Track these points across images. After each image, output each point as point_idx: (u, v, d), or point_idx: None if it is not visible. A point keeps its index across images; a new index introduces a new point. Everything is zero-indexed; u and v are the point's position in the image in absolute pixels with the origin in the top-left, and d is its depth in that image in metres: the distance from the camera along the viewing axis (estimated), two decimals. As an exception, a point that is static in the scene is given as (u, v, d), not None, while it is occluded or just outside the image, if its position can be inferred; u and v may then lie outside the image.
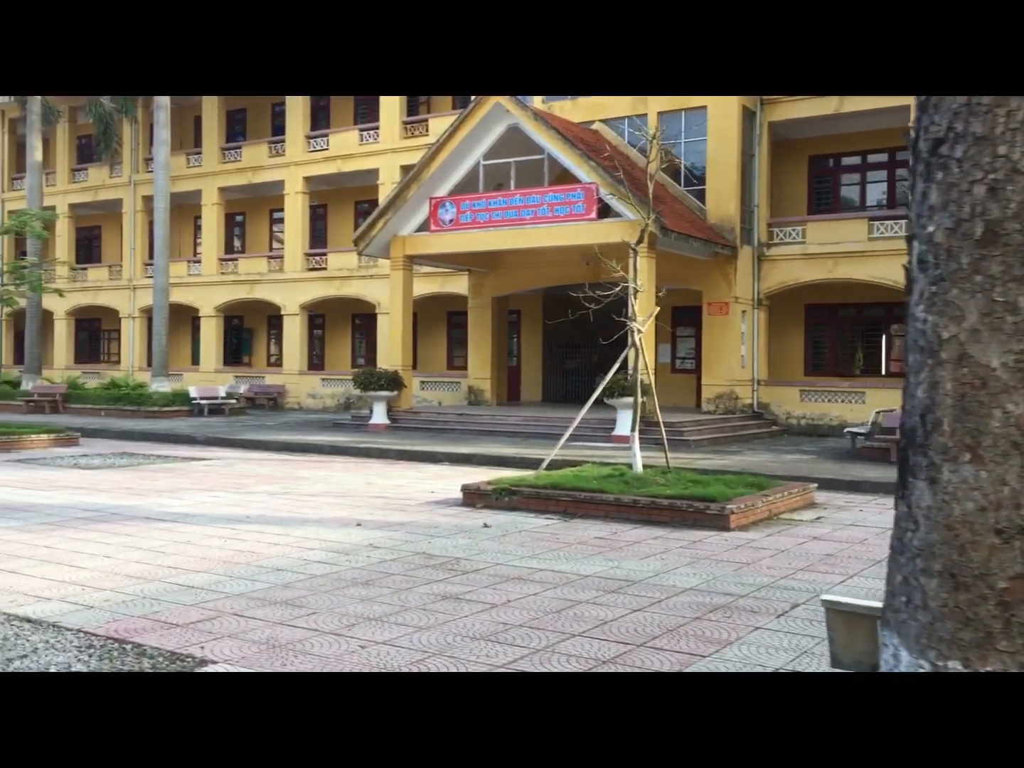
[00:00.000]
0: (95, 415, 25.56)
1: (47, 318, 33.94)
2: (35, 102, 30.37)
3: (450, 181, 21.55)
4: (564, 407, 23.46)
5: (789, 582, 7.07)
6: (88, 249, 37.61)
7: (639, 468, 10.97)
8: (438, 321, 28.71)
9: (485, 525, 9.50)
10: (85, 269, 35.67)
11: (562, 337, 26.33)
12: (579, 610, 6.17)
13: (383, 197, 26.10)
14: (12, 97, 31.71)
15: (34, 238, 25.66)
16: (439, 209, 21.37)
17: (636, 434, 11.01)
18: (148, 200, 32.21)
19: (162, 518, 9.84)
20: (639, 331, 11.03)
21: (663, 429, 11.54)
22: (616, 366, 11.72)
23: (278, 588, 6.72)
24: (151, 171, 31.21)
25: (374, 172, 28.45)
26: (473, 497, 10.86)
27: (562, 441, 11.39)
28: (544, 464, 11.23)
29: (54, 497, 11.31)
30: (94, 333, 37.59)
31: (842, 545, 8.65)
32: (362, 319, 30.60)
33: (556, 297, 25.86)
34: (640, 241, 11.70)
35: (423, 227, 21.90)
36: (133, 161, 33.81)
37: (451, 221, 21.25)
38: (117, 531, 9.01)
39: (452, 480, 13.43)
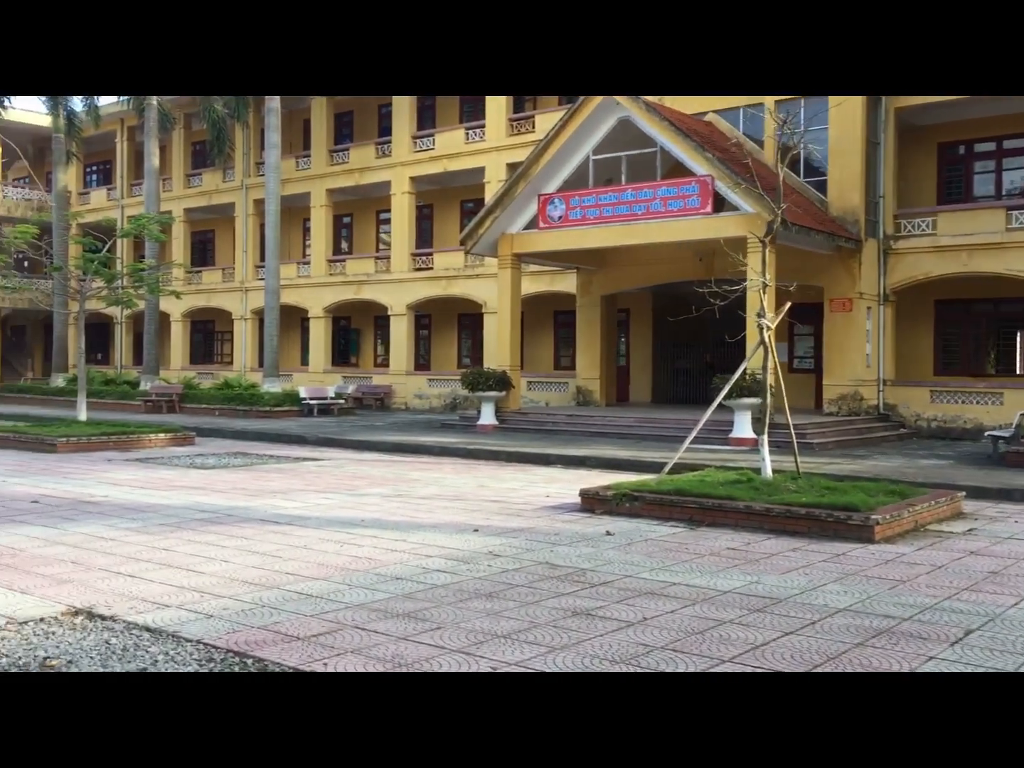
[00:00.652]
0: (209, 415, 26.04)
1: (164, 320, 34.90)
2: (152, 108, 31.21)
3: (559, 177, 21.11)
4: (675, 408, 22.77)
5: (954, 603, 6.38)
6: (202, 252, 38.56)
7: (768, 473, 10.32)
8: (544, 321, 28.32)
9: (608, 533, 9.02)
10: (199, 272, 36.56)
11: (672, 336, 25.62)
12: (724, 631, 5.64)
13: (489, 196, 25.89)
14: (130, 105, 32.66)
15: (152, 241, 26.31)
16: (548, 206, 20.96)
17: (766, 437, 10.36)
18: (259, 204, 32.78)
19: (277, 520, 9.68)
20: (768, 328, 10.37)
21: (792, 431, 10.84)
22: (744, 365, 11.05)
23: (399, 599, 6.39)
24: (262, 175, 31.75)
25: (480, 171, 28.24)
26: (592, 502, 10.39)
27: (685, 444, 10.82)
28: (666, 469, 10.67)
29: (171, 497, 11.31)
30: (208, 334, 38.52)
31: (1005, 561, 7.85)
32: (468, 319, 30.44)
33: (666, 295, 25.18)
34: (769, 233, 11.02)
35: (531, 224, 21.53)
36: (245, 165, 34.46)
37: (560, 218, 20.81)
38: (233, 534, 8.87)
39: (566, 484, 13.00)
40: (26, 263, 41.02)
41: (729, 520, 9.35)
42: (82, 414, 19.33)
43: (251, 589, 6.65)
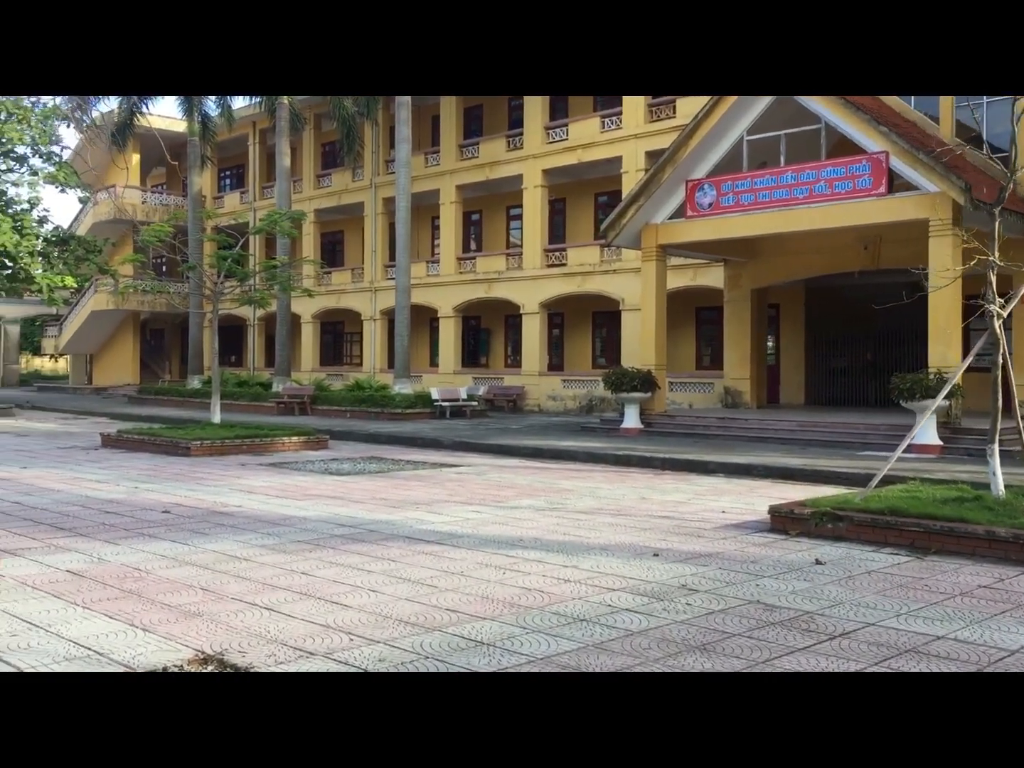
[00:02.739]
0: (340, 416, 25.49)
1: (295, 322, 34.81)
2: (283, 108, 31.05)
3: (708, 161, 19.53)
4: (835, 411, 20.88)
5: None
6: (332, 253, 38.42)
7: (1000, 490, 8.61)
8: (686, 318, 26.66)
9: (817, 562, 7.54)
10: (329, 273, 36.37)
11: (826, 333, 23.67)
12: (1046, 717, 4.13)
13: (627, 187, 24.52)
14: (262, 107, 32.62)
15: (283, 238, 25.96)
16: (696, 192, 19.41)
17: (996, 446, 8.66)
18: (388, 203, 32.24)
19: (425, 538, 8.57)
20: (999, 316, 8.67)
21: None
22: (967, 360, 9.35)
23: (590, 651, 5.11)
24: (391, 173, 31.20)
25: (616, 161, 26.86)
26: (784, 522, 8.89)
27: (897, 453, 9.17)
28: (874, 482, 9.07)
29: (308, 508, 10.38)
30: (337, 336, 38.35)
31: None
32: (603, 317, 29.07)
33: (821, 288, 23.28)
34: (997, 204, 9.29)
35: (677, 213, 20.02)
36: (373, 164, 34.03)
37: (710, 205, 19.23)
38: (378, 555, 7.78)
39: (738, 496, 11.52)
40: (164, 267, 41.86)
41: (963, 548, 7.71)
42: (216, 416, 18.89)
43: (408, 631, 5.49)
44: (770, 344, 24.53)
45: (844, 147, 18.22)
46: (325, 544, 8.25)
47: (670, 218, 20.14)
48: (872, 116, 16.88)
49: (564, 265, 28.49)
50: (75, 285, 31.47)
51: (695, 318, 27.06)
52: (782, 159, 18.38)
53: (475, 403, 26.23)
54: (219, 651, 5.07)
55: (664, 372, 20.71)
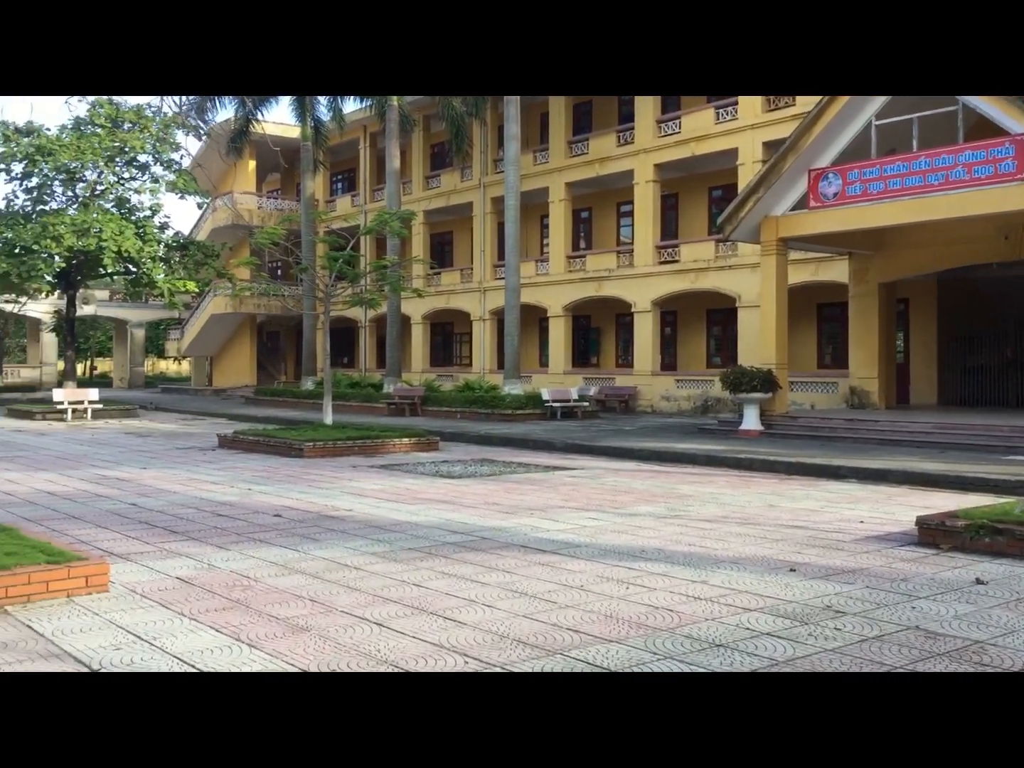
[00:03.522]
0: (450, 418, 25.34)
1: (405, 323, 34.96)
2: (393, 110, 31.18)
3: (833, 149, 18.53)
4: (973, 412, 19.57)
5: None
6: (441, 254, 38.47)
7: None
8: (806, 315, 25.52)
9: (978, 581, 6.77)
10: (438, 273, 36.42)
11: (961, 328, 22.26)
12: None
13: (743, 179, 23.62)
14: (372, 109, 32.85)
15: (393, 239, 26.00)
16: (820, 182, 18.44)
17: None
18: (497, 202, 32.01)
19: (540, 547, 8.12)
20: None
21: None
22: None
23: (732, 683, 4.56)
24: (500, 172, 30.95)
25: (732, 153, 25.92)
26: (934, 535, 8.10)
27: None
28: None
29: (419, 513, 10.07)
30: (447, 336, 38.38)
31: None
32: (718, 314, 28.15)
33: (954, 281, 21.89)
34: None
35: (799, 205, 19.08)
36: (482, 163, 33.87)
37: (835, 195, 18.23)
38: (492, 564, 7.38)
39: (875, 505, 10.70)
40: (279, 271, 42.73)
41: None
42: (328, 417, 18.91)
43: (527, 654, 5.04)
44: (899, 341, 23.23)
45: (982, 129, 16.99)
46: (437, 552, 7.90)
47: (791, 210, 19.22)
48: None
49: (677, 261, 27.68)
50: (195, 289, 32.27)
51: (816, 315, 25.90)
52: (914, 144, 17.26)
53: (586, 404, 25.71)
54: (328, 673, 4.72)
55: (785, 371, 19.78)
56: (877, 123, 17.91)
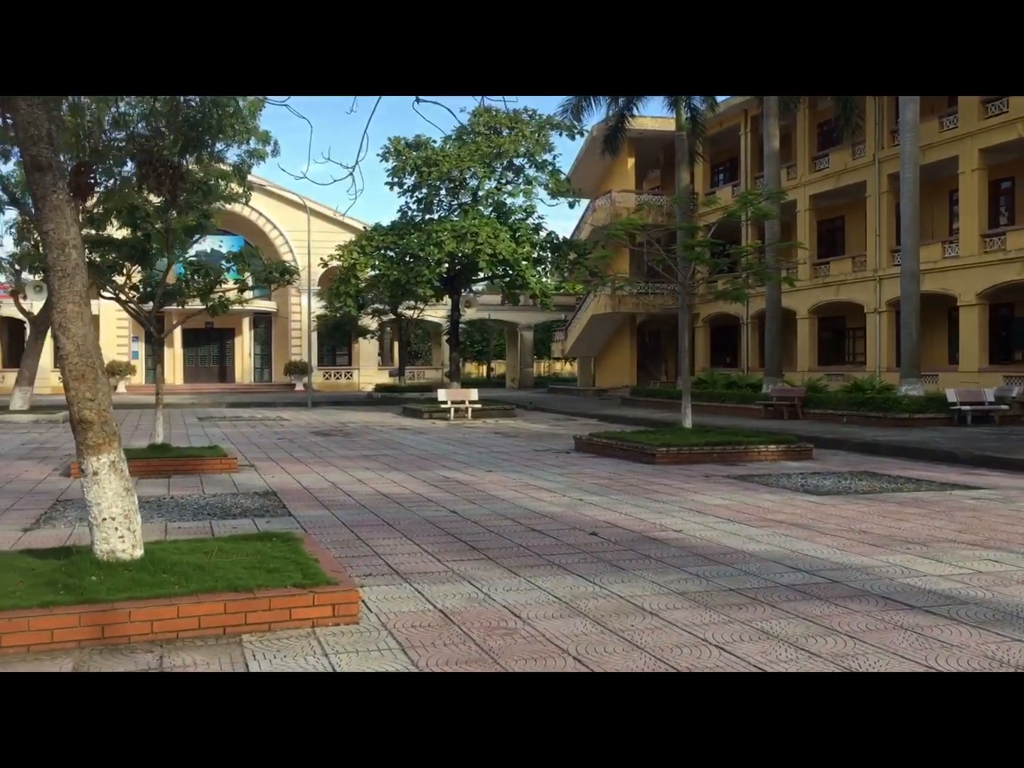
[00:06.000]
0: (835, 422, 22.64)
1: (789, 318, 32.39)
2: (772, 88, 28.87)
3: None
4: None
5: None
6: (830, 242, 35.24)
7: None
8: None
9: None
10: (827, 263, 33.31)
11: None
12: None
13: None
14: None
15: (773, 225, 23.82)
16: None
17: None
18: (893, 180, 28.40)
19: (908, 600, 6.05)
20: None
21: None
22: None
23: None
24: (896, 144, 27.36)
25: None
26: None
27: None
28: None
29: (759, 539, 8.29)
30: (837, 332, 35.04)
31: None
32: None
33: None
34: None
35: None
36: (877, 137, 30.32)
37: None
38: (830, 624, 5.49)
39: None
40: (659, 268, 41.92)
41: None
42: (687, 420, 17.43)
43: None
44: None
45: None
46: (763, 599, 6.15)
47: None
48: None
49: None
50: (572, 290, 32.38)
51: None
52: None
53: (1006, 407, 21.65)
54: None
55: None
56: None
